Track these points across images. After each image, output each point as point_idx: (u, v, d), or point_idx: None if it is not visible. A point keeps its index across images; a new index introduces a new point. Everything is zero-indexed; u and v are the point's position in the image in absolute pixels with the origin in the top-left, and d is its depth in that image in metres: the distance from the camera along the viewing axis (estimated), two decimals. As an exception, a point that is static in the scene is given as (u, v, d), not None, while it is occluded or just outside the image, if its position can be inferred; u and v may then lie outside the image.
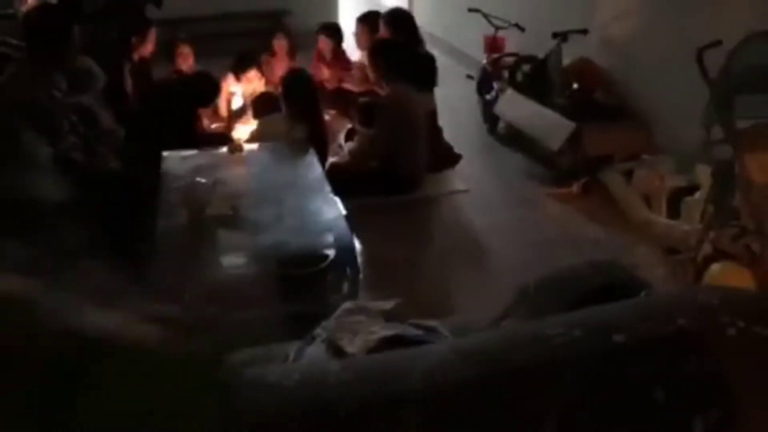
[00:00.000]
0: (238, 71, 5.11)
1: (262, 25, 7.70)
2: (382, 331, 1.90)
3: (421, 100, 4.31)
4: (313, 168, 3.45)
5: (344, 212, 3.30)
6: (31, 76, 3.09)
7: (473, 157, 4.88)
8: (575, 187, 4.24)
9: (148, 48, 4.98)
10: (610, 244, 3.73)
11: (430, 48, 7.76)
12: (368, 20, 5.12)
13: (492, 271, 3.57)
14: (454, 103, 6.03)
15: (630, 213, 3.81)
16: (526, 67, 5.10)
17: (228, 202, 2.89)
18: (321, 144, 4.11)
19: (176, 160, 3.52)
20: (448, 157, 4.72)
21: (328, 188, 3.27)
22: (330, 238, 2.91)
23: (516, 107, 4.89)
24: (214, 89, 4.40)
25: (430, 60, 4.78)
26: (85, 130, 3.92)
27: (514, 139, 5.04)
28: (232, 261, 2.70)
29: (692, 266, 3.26)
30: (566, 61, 4.77)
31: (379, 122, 4.13)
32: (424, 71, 4.55)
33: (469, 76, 6.03)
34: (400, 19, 4.86)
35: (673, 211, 3.55)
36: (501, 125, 5.34)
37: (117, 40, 5.15)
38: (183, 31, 7.47)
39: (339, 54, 5.59)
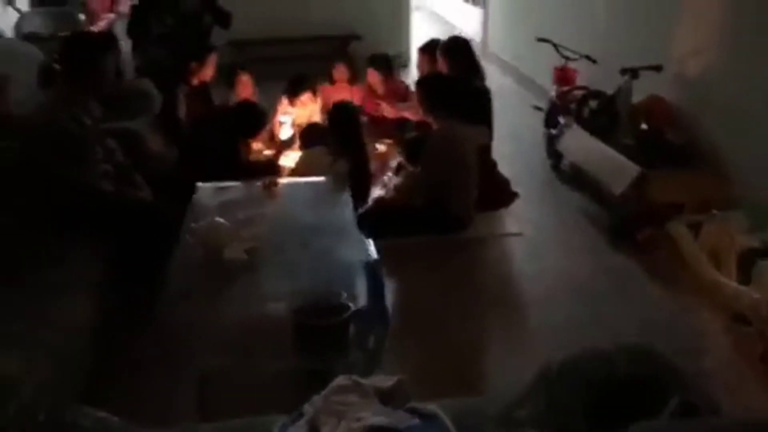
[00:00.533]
0: (291, 95, 5.02)
1: (330, 50, 7.65)
2: (371, 418, 1.69)
3: (473, 135, 4.07)
4: (348, 208, 3.26)
5: (375, 257, 3.10)
6: (62, 103, 3.04)
7: (531, 195, 4.59)
8: (638, 238, 3.89)
9: (208, 72, 4.94)
10: (668, 305, 3.38)
11: (502, 75, 7.61)
12: (429, 50, 4.94)
13: (533, 327, 3.28)
14: (519, 134, 5.77)
15: (695, 272, 3.45)
16: (593, 103, 4.78)
17: (247, 245, 2.74)
18: (364, 180, 3.94)
19: (209, 192, 3.41)
20: (502, 196, 4.46)
21: (357, 231, 3.08)
22: (355, 286, 2.71)
23: (580, 145, 4.57)
24: (259, 121, 4.30)
25: (484, 93, 4.54)
26: (126, 156, 3.90)
27: (577, 178, 4.72)
28: (245, 308, 2.54)
29: (761, 341, 2.90)
30: (636, 98, 4.43)
31: (425, 159, 3.92)
32: (476, 105, 4.30)
33: (537, 108, 5.75)
34: (457, 48, 4.64)
35: (745, 275, 3.16)
36: (565, 162, 5.03)
37: (177, 63, 5.16)
38: (250, 53, 7.54)
39: (392, 85, 5.42)
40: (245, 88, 5.19)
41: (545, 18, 6.59)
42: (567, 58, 5.31)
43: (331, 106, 5.24)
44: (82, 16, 5.16)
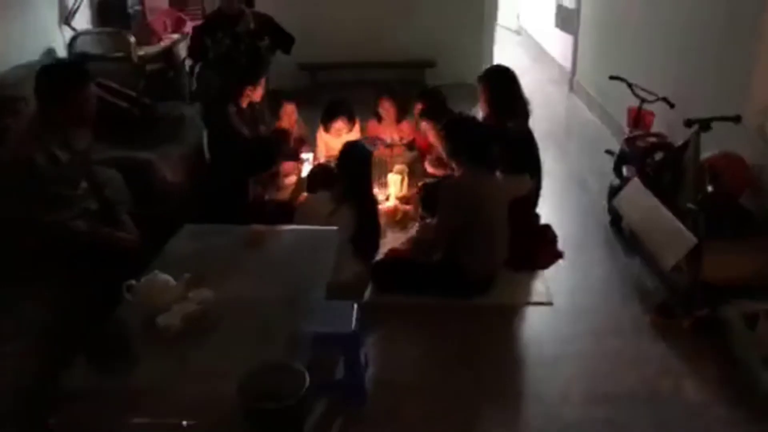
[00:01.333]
0: (325, 121, 4.73)
1: (405, 77, 7.32)
2: None
3: (505, 186, 3.61)
4: (325, 271, 2.88)
5: (354, 328, 2.74)
6: (31, 137, 2.87)
7: (580, 257, 4.06)
8: (685, 321, 3.29)
9: (256, 94, 4.72)
10: (709, 414, 2.79)
11: (587, 110, 6.96)
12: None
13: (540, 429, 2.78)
14: (588, 181, 5.20)
15: (746, 375, 2.84)
16: (658, 155, 4.17)
17: (190, 309, 2.44)
18: (371, 232, 3.57)
19: (190, 234, 3.14)
20: (541, 256, 3.97)
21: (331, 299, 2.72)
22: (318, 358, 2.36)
23: (636, 203, 3.98)
24: (267, 158, 4.01)
25: (523, 137, 4.05)
26: (133, 188, 3.74)
27: (634, 242, 4.12)
28: (177, 386, 2.24)
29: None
30: (707, 153, 3.80)
31: (443, 210, 3.50)
32: (513, 151, 3.83)
33: (609, 152, 5.14)
34: (495, 78, 4.20)
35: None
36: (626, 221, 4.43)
37: (227, 86, 5.00)
38: (321, 77, 7.35)
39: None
40: (288, 118, 4.95)
41: (624, 53, 5.97)
42: (643, 100, 4.70)
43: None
44: (132, 38, 5.08)
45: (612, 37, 6.41)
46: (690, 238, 3.33)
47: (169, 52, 5.86)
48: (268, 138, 4.31)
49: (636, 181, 4.10)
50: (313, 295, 2.64)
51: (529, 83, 8.24)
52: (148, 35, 5.71)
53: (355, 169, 3.50)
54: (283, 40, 5.97)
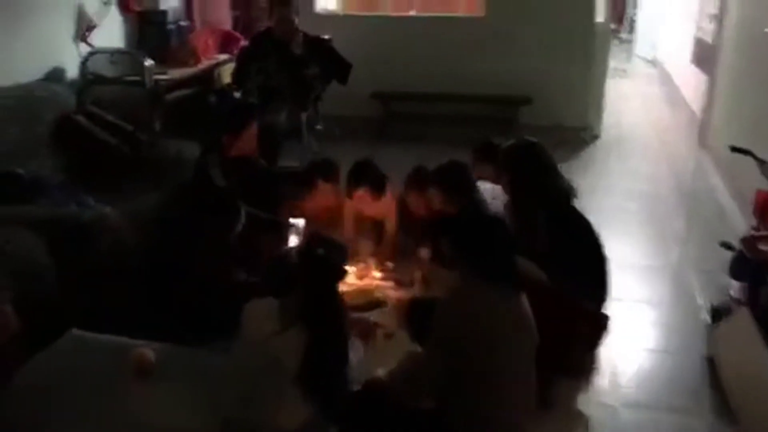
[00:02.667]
0: (349, 186, 3.73)
1: (494, 113, 6.25)
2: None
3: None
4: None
5: None
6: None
7: (649, 403, 2.86)
8: None
9: (246, 145, 3.86)
10: None
11: (714, 173, 5.41)
12: (486, 155, 3.52)
13: None
14: (686, 279, 3.90)
15: None
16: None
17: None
18: (335, 359, 2.57)
19: (62, 350, 2.32)
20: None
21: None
22: None
23: (739, 347, 2.73)
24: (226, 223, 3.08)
25: (558, 227, 2.93)
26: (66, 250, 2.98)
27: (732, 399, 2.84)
28: None
29: None
30: None
31: (435, 335, 2.45)
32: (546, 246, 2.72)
33: (726, 246, 3.76)
34: (520, 162, 3.12)
35: None
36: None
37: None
38: (395, 108, 6.41)
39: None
40: (323, 197, 3.86)
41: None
42: (776, 183, 3.41)
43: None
44: (148, 60, 4.37)
45: (755, 87, 4.97)
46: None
47: (208, 76, 5.14)
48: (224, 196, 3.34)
49: (744, 313, 2.84)
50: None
51: (650, 126, 7.06)
52: (185, 55, 5.04)
53: (318, 276, 2.52)
54: (338, 68, 5.11)
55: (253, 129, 3.86)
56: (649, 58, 9.77)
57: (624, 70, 9.07)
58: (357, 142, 6.02)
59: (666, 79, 8.39)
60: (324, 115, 5.46)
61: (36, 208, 3.16)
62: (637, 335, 3.37)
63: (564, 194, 3.04)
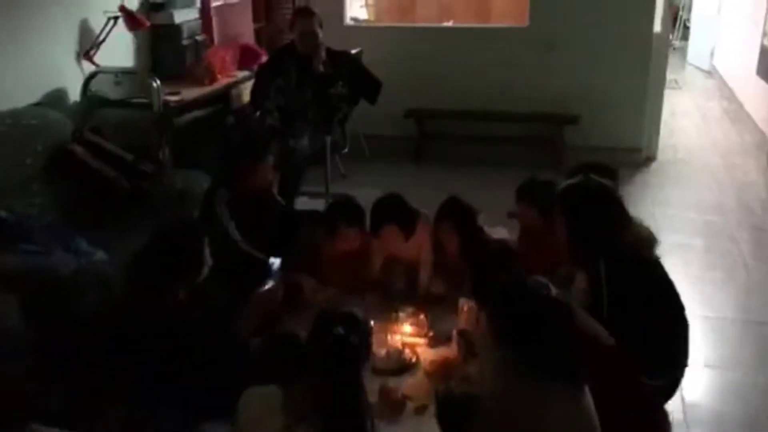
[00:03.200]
0: (374, 224, 3.26)
1: (537, 132, 5.73)
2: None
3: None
4: None
5: None
6: None
7: None
8: None
9: (261, 178, 3.41)
10: None
11: None
12: (528, 197, 3.15)
13: None
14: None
15: None
16: None
17: None
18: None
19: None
20: None
21: None
22: None
23: None
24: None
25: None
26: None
27: None
28: None
29: None
30: None
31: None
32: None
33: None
34: (583, 208, 2.59)
35: None
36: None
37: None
38: (431, 127, 5.92)
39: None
40: (346, 242, 3.36)
41: None
42: None
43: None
44: (156, 83, 3.94)
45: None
46: None
47: (225, 95, 4.71)
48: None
49: None
50: None
51: (712, 147, 6.39)
52: (200, 73, 4.61)
53: (336, 367, 2.03)
54: (367, 86, 4.65)
55: (269, 160, 3.40)
56: (705, 67, 9.07)
57: (676, 81, 8.42)
58: (389, 164, 5.57)
59: (726, 93, 7.72)
60: (352, 134, 5.01)
61: (9, 258, 2.74)
62: (710, 407, 2.82)
63: (638, 246, 2.50)
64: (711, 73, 8.92)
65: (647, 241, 2.51)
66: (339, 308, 2.26)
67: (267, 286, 2.58)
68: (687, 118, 7.12)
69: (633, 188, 5.13)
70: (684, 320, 2.53)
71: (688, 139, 6.45)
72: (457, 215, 3.20)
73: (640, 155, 5.69)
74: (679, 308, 2.53)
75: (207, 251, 2.41)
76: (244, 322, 2.47)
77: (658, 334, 2.44)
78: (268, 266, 3.18)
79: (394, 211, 3.24)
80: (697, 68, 9.31)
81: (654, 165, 5.73)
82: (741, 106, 6.93)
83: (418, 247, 3.37)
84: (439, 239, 3.31)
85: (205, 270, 2.40)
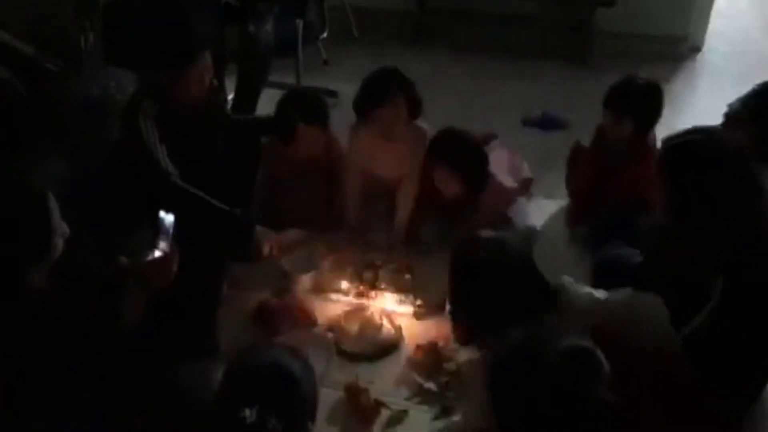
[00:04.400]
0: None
1: (561, 15, 4.75)
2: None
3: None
4: None
5: None
6: None
7: None
8: None
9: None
10: None
11: None
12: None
13: None
14: None
15: None
16: None
17: None
18: None
19: None
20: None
21: None
22: None
23: None
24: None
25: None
26: None
27: None
28: None
29: None
30: None
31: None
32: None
33: None
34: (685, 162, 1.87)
35: None
36: None
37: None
38: (435, 4, 4.92)
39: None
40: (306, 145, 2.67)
41: None
42: None
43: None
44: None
45: None
46: None
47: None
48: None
49: None
50: None
51: None
52: None
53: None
54: None
55: (205, 57, 2.53)
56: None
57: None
58: (381, 46, 4.64)
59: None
60: (335, 6, 4.15)
61: None
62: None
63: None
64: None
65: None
66: (258, 355, 1.52)
67: (156, 252, 1.84)
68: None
69: (676, 86, 4.34)
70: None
71: (740, 25, 5.43)
72: (459, 155, 2.43)
73: (685, 45, 4.75)
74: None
75: (56, 215, 1.62)
76: (125, 304, 1.74)
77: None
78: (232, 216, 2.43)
79: (397, 81, 2.53)
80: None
81: (701, 57, 4.83)
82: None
83: (404, 164, 2.64)
84: (430, 177, 2.56)
85: (59, 241, 1.63)
